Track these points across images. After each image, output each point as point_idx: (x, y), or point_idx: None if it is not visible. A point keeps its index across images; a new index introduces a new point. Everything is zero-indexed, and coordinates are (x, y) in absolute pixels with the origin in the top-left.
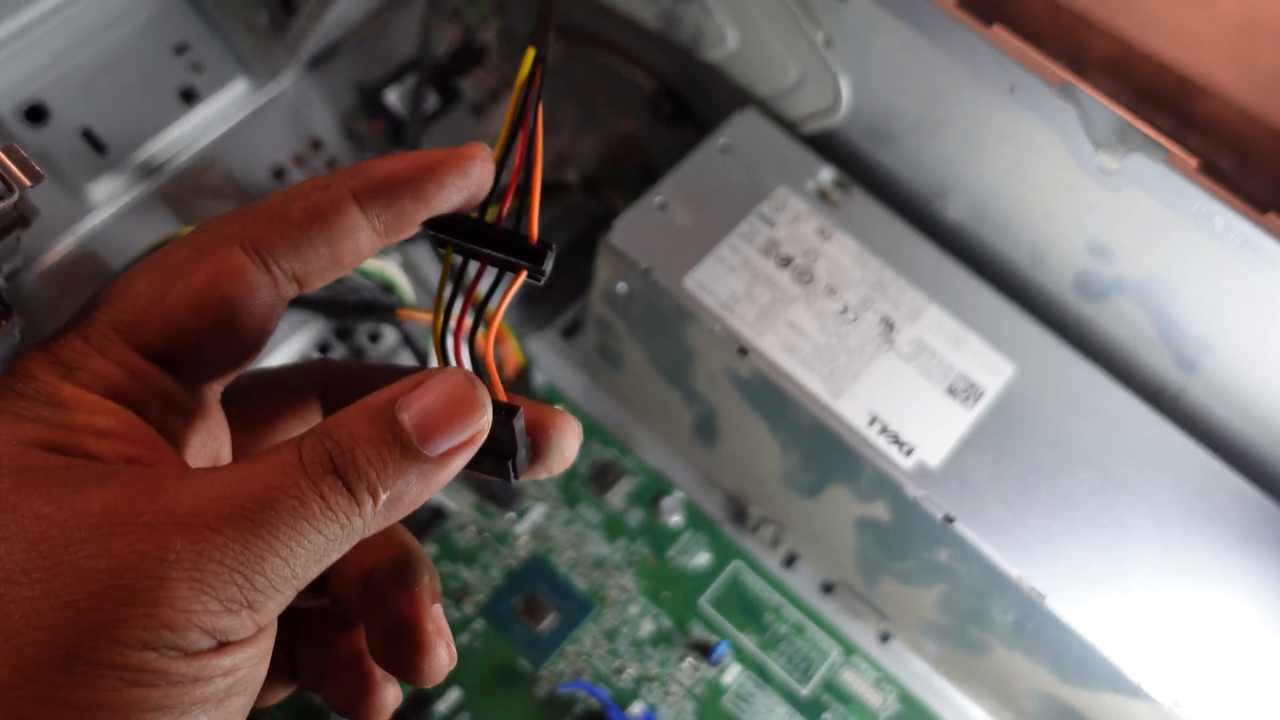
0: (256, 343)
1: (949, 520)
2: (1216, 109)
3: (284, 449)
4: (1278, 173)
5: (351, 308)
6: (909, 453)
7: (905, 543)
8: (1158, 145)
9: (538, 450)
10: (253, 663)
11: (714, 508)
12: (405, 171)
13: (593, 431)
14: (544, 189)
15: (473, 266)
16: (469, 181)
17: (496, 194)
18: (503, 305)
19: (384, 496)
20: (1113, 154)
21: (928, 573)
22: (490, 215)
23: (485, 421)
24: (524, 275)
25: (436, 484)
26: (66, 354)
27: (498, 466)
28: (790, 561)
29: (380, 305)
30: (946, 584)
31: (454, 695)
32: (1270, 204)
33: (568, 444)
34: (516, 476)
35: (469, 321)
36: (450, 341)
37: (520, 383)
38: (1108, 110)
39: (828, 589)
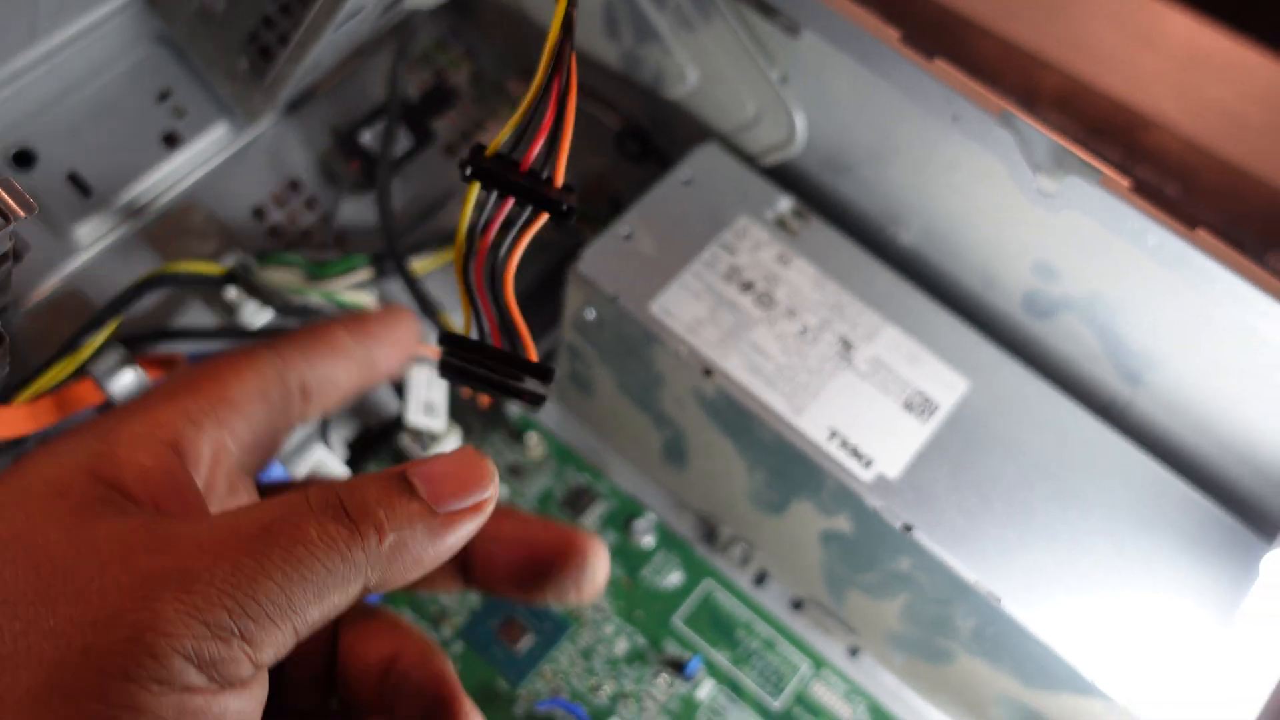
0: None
1: (908, 529)
2: (1164, 140)
3: (291, 493)
4: (1222, 199)
5: None
6: (868, 465)
7: (868, 554)
8: (1092, 168)
9: (571, 572)
10: (242, 717)
11: (685, 529)
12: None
13: (567, 458)
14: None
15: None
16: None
17: (528, 136)
18: (521, 243)
19: (389, 538)
20: (1051, 177)
21: (891, 583)
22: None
23: (492, 491)
24: (544, 217)
25: (443, 547)
26: (137, 406)
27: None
28: (761, 579)
29: None
30: (909, 593)
31: None
32: (1199, 220)
33: (599, 569)
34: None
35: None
36: (472, 269)
37: (494, 412)
38: (1044, 136)
39: (797, 605)
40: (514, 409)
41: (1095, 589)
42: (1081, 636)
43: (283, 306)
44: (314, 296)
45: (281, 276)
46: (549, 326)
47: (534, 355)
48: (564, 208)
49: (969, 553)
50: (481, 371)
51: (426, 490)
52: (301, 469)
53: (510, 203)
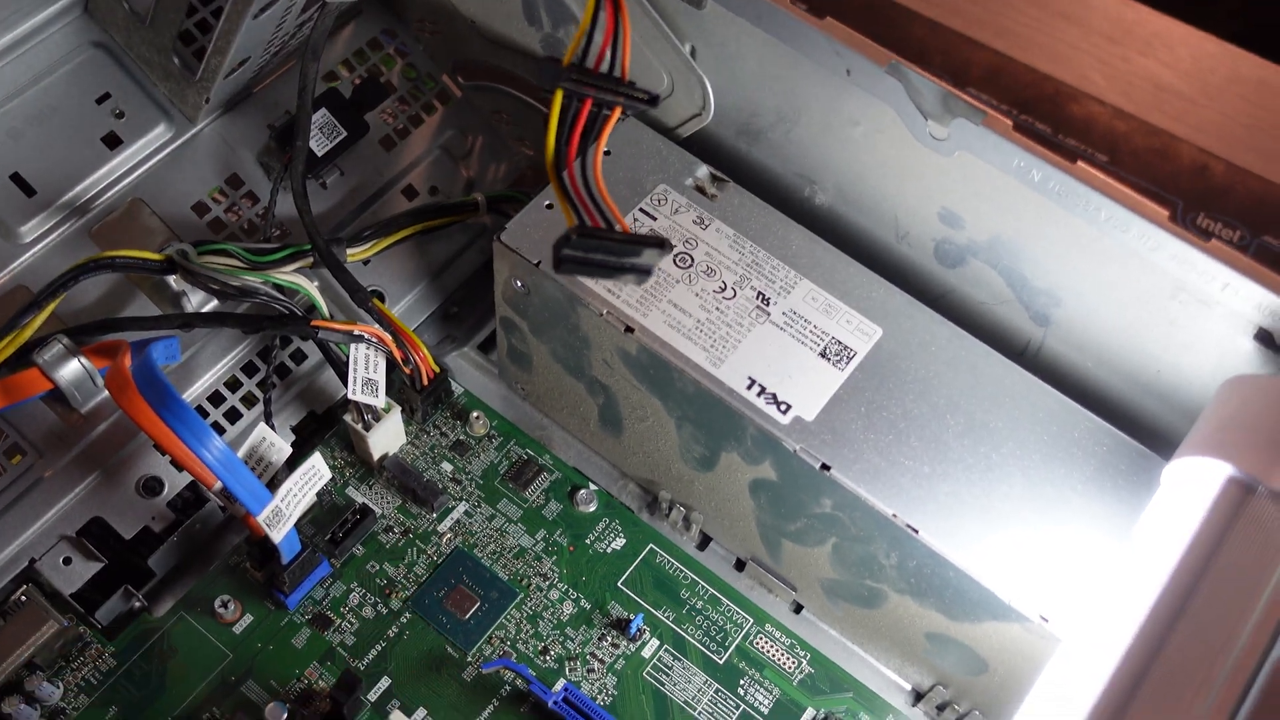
0: None
1: (826, 468)
2: (1092, 111)
3: None
4: (1150, 165)
5: (268, 320)
6: (786, 410)
7: (794, 499)
8: (975, 109)
9: None
10: None
11: (629, 499)
12: None
13: (511, 433)
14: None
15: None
16: None
17: (594, 46)
18: (605, 134)
19: None
20: (940, 123)
21: (818, 528)
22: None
23: None
24: (619, 110)
25: None
26: None
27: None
28: (704, 545)
29: (297, 317)
30: (836, 536)
31: (384, 684)
32: (1078, 154)
33: None
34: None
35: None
36: (564, 171)
37: (438, 386)
38: (931, 83)
39: (739, 567)
40: (458, 388)
41: (1009, 517)
42: (997, 562)
43: (221, 289)
44: (252, 279)
45: (221, 263)
46: (489, 316)
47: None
48: (645, 96)
49: (886, 488)
50: (599, 257)
51: None
52: (243, 448)
53: (589, 104)
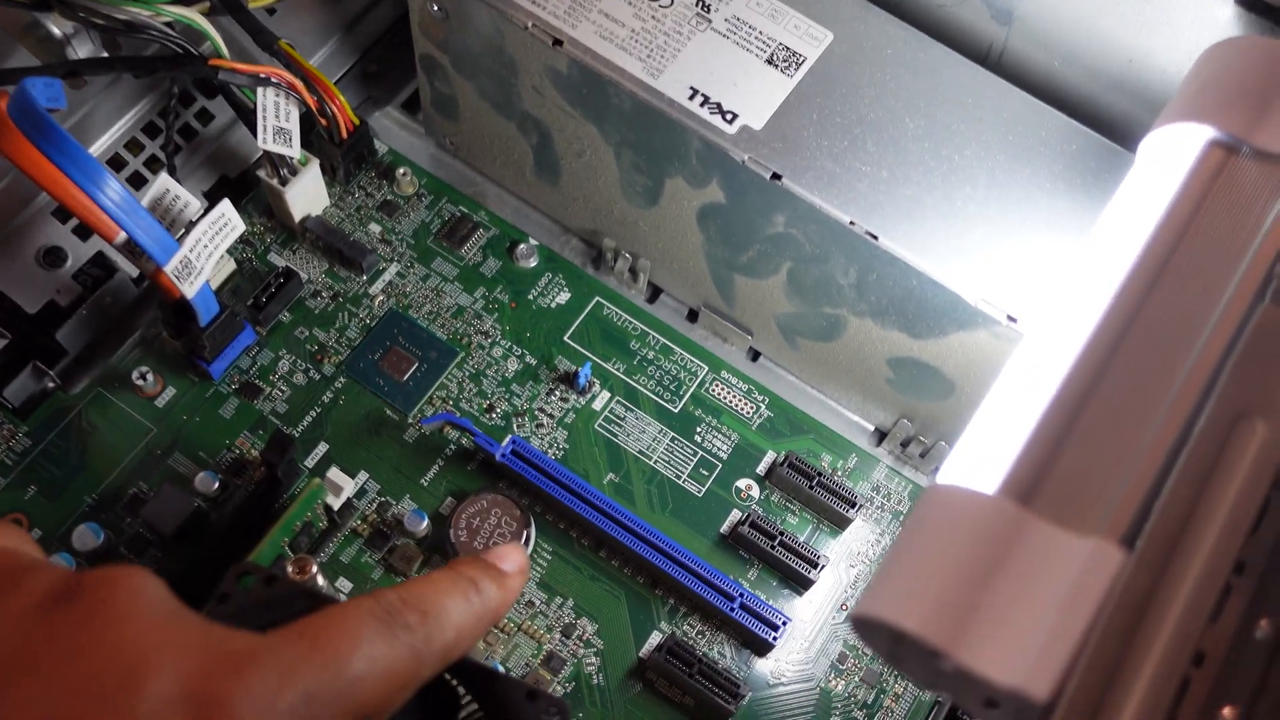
0: None
1: (777, 177)
2: None
3: None
4: None
5: (161, 62)
6: (732, 120)
7: (745, 222)
8: None
9: None
10: None
11: (572, 254)
12: None
13: (442, 190)
14: None
15: None
16: None
17: None
18: None
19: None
20: None
21: (771, 254)
22: None
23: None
24: None
25: None
26: None
27: None
28: (654, 298)
29: (193, 56)
30: (790, 261)
31: (321, 449)
32: None
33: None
34: None
35: None
36: None
37: (359, 140)
38: None
39: (693, 318)
40: (382, 147)
41: (973, 218)
42: (962, 265)
43: (107, 23)
44: (139, 10)
45: None
46: (412, 73)
47: None
48: None
49: (841, 195)
50: None
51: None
52: (145, 198)
53: None
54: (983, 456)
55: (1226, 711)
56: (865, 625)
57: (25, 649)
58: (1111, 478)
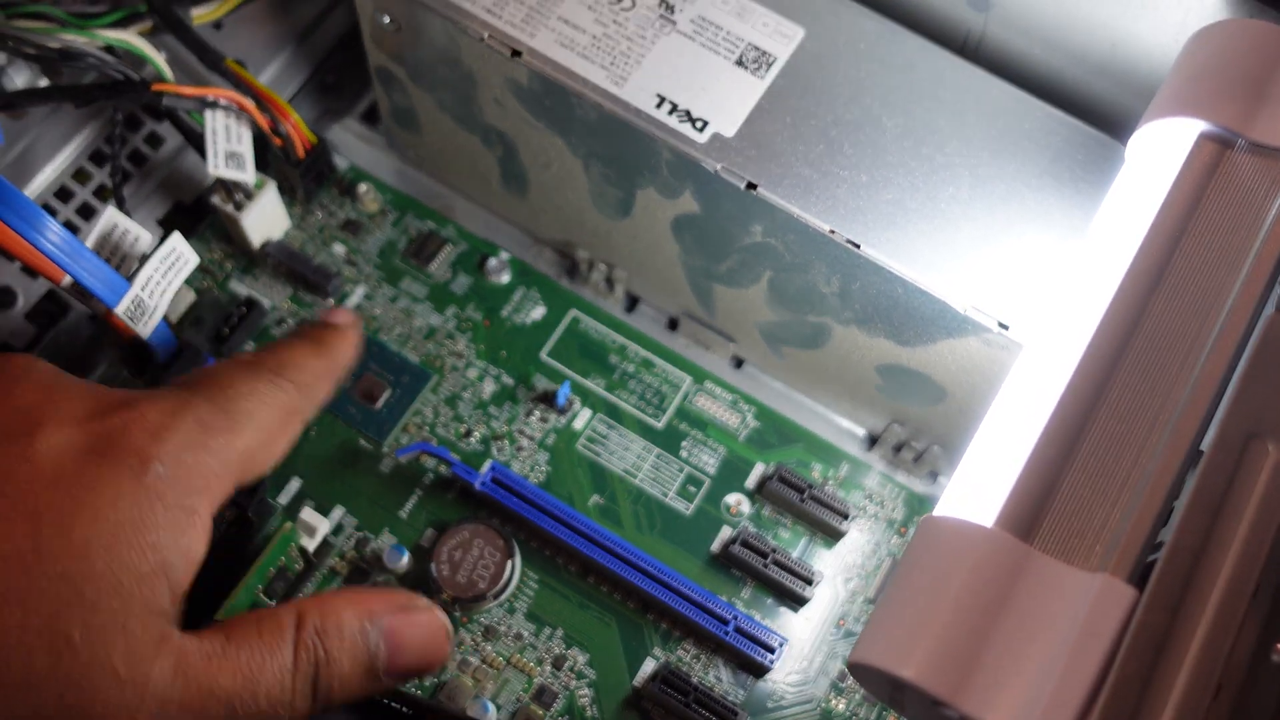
0: None
1: (752, 187)
2: None
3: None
4: None
5: (100, 90)
6: (702, 128)
7: (721, 232)
8: None
9: None
10: None
11: (545, 266)
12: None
13: (407, 206)
14: None
15: None
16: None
17: None
18: None
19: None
20: None
21: (750, 263)
22: None
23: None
24: None
25: None
26: None
27: None
28: (632, 307)
29: (134, 83)
30: (770, 269)
31: (294, 485)
32: None
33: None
34: None
35: None
36: None
37: (317, 158)
38: None
39: (673, 326)
40: (343, 163)
41: (958, 220)
42: (948, 270)
43: (40, 53)
44: (76, 38)
45: (37, 26)
46: (369, 84)
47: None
48: None
49: (820, 202)
50: None
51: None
52: (91, 237)
53: None
54: (980, 485)
55: None
56: (863, 672)
57: None
58: (1116, 508)
